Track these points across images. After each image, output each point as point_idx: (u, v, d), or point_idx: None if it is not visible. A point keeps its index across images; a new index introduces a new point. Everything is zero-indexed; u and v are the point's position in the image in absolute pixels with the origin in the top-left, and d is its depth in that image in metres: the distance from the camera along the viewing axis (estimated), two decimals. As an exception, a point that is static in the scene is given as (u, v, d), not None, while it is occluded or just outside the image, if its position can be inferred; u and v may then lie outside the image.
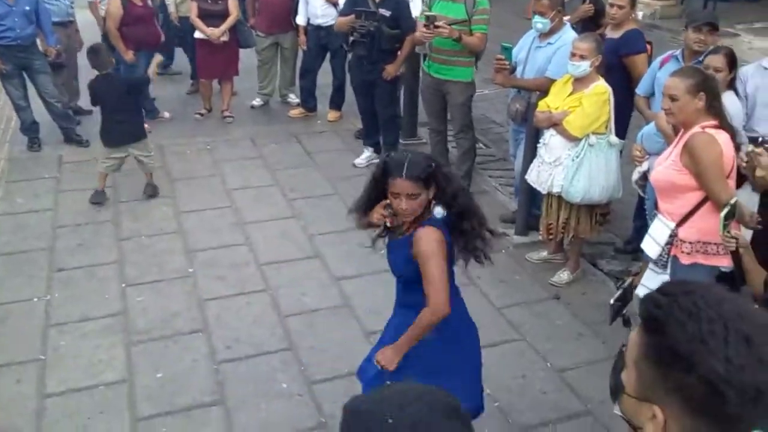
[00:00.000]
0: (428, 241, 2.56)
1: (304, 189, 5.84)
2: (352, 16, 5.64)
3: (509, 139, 5.44)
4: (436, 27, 4.99)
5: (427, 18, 5.07)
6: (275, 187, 5.86)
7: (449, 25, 5.03)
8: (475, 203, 2.71)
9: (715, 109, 3.21)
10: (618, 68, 4.69)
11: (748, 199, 3.82)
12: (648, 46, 5.01)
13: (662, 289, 1.08)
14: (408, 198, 2.52)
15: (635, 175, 4.04)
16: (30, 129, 6.42)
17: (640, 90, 4.51)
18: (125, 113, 5.34)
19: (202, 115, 7.27)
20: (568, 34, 4.50)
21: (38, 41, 6.27)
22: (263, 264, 4.74)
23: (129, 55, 6.49)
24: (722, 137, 3.17)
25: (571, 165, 4.16)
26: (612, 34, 4.88)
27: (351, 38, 5.65)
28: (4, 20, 5.92)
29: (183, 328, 4.12)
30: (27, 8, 6.01)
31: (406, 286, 2.78)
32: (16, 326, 4.09)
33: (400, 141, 6.61)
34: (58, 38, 6.48)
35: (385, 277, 4.57)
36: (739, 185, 3.74)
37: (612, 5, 4.81)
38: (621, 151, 4.49)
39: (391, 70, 5.72)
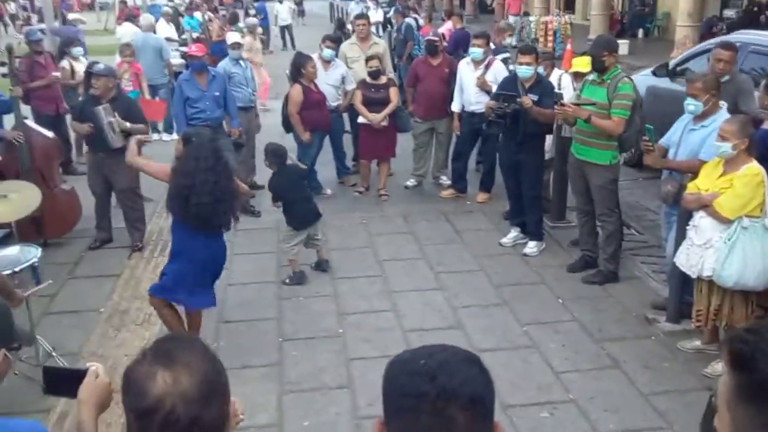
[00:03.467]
0: None
1: (450, 264, 6.06)
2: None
3: (662, 223, 5.36)
4: (562, 105, 5.19)
5: (555, 96, 5.30)
6: (423, 260, 6.14)
7: (587, 106, 5.20)
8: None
9: None
10: None
11: None
12: None
13: (747, 328, 1.13)
14: None
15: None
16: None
17: None
18: (304, 196, 5.80)
19: (360, 192, 7.82)
20: (723, 118, 4.46)
21: (224, 123, 7.17)
22: (407, 330, 4.95)
23: (306, 136, 7.22)
24: None
25: (723, 247, 4.05)
26: None
27: (489, 118, 5.98)
28: (197, 103, 6.87)
29: (330, 382, 4.39)
30: (217, 94, 6.95)
31: None
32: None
33: (549, 223, 6.70)
34: (240, 122, 7.35)
35: (524, 353, 4.67)
36: None
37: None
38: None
39: (526, 101, 5.76)
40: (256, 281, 5.79)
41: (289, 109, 7.26)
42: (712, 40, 8.12)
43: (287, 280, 5.71)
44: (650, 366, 4.48)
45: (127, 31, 11.94)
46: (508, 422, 3.94)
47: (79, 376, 1.67)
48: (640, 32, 19.53)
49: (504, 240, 6.43)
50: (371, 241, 6.58)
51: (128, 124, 6.00)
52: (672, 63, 8.33)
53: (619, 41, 9.07)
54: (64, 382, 1.72)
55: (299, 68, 7.19)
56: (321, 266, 5.95)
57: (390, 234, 6.76)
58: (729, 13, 17.66)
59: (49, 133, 6.72)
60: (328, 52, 7.66)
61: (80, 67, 8.12)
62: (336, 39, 9.58)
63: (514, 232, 6.43)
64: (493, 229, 6.81)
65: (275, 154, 5.80)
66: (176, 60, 11.53)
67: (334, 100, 7.63)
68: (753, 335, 1.10)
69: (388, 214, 7.30)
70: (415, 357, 1.20)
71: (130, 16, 13.16)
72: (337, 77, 7.67)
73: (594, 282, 5.57)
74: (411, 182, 8.03)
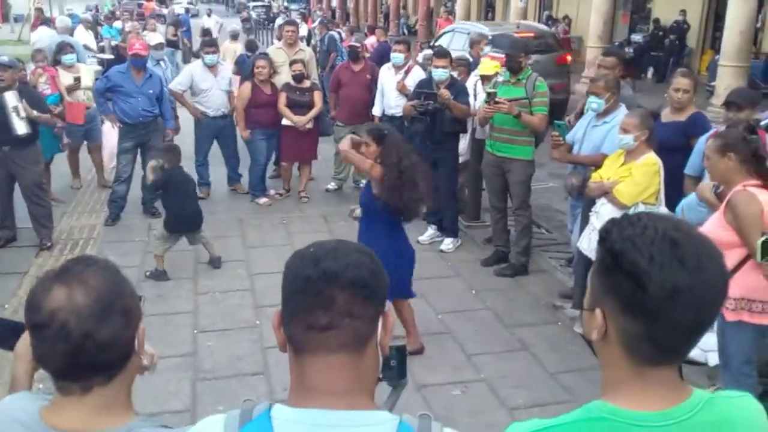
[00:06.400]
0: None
1: (369, 260, 6.13)
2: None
3: (567, 216, 5.63)
4: (496, 103, 5.39)
5: (488, 95, 5.50)
6: (342, 257, 6.18)
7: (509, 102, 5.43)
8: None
9: (758, 170, 3.38)
10: (685, 149, 4.76)
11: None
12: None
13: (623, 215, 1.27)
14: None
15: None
16: (117, 203, 6.96)
17: (691, 169, 4.64)
18: (186, 203, 5.75)
19: (281, 195, 7.82)
20: (622, 114, 4.76)
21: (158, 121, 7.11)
22: (325, 320, 4.98)
23: (245, 133, 7.37)
24: (764, 196, 3.31)
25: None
26: (675, 117, 5.01)
27: (412, 116, 6.14)
28: (130, 98, 6.79)
29: (246, 370, 4.38)
30: (151, 92, 6.90)
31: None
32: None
33: (464, 222, 6.89)
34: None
35: (439, 338, 4.79)
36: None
37: (678, 90, 4.94)
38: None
39: (444, 93, 5.94)
40: (171, 278, 5.68)
41: (235, 104, 7.33)
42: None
43: (147, 273, 5.67)
44: (557, 348, 4.68)
45: (42, 35, 11.59)
46: (423, 401, 4.03)
47: (19, 329, 1.61)
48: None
49: (421, 238, 6.56)
50: (290, 240, 6.59)
51: (35, 112, 5.92)
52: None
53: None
54: (4, 333, 1.68)
55: (252, 66, 7.33)
56: (213, 263, 5.92)
57: (309, 233, 6.77)
58: (636, 37, 18.73)
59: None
60: (210, 58, 7.55)
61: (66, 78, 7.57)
62: (252, 47, 9.65)
63: (431, 230, 6.59)
64: (411, 229, 6.78)
65: (170, 152, 5.89)
66: (93, 66, 11.23)
67: (225, 105, 7.59)
68: (621, 217, 1.23)
69: (308, 214, 7.34)
70: (308, 247, 1.27)
71: (45, 20, 12.74)
72: (227, 81, 7.63)
73: (506, 274, 5.78)
74: (331, 185, 8.10)
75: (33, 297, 1.31)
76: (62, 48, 7.90)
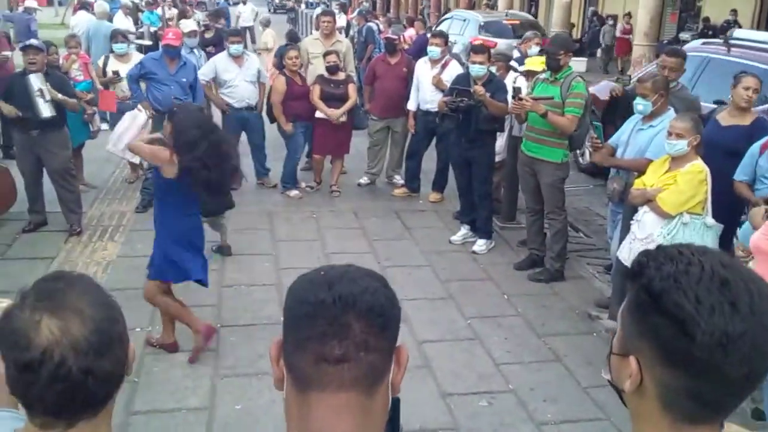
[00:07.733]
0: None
1: (398, 259, 5.99)
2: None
3: (607, 222, 5.39)
4: (520, 99, 5.18)
5: (514, 90, 5.29)
6: (371, 255, 6.05)
7: (539, 101, 5.20)
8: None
9: None
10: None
11: None
12: None
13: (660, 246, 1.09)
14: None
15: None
16: (149, 190, 6.75)
17: (740, 176, 4.40)
18: None
19: (312, 188, 7.70)
20: (670, 118, 4.51)
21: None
22: (350, 320, 4.85)
23: (288, 127, 7.24)
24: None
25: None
26: (737, 120, 4.82)
27: (443, 112, 5.96)
28: (163, 86, 6.74)
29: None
30: (184, 80, 6.83)
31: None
32: (118, 351, 4.38)
33: (498, 224, 6.69)
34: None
35: (467, 345, 4.62)
36: None
37: (748, 88, 4.73)
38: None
39: (479, 90, 5.76)
40: (197, 268, 5.61)
41: (272, 99, 7.23)
42: None
43: None
44: (591, 361, 4.47)
45: (81, 20, 11.64)
46: (447, 410, 3.88)
47: None
48: (599, 51, 19.96)
49: (453, 237, 6.39)
50: (320, 235, 6.47)
51: (60, 95, 5.90)
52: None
53: (578, 59, 9.11)
54: None
55: (281, 58, 7.13)
56: (222, 251, 5.87)
57: (339, 228, 6.67)
58: (685, 35, 18.16)
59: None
60: (234, 48, 7.36)
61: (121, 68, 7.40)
62: (294, 38, 9.54)
63: (463, 230, 6.40)
64: (443, 228, 6.78)
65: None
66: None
67: (252, 97, 7.43)
68: (657, 249, 1.06)
69: (338, 209, 7.21)
70: (317, 270, 1.13)
71: (84, 4, 12.81)
72: (253, 72, 7.47)
73: (540, 279, 5.57)
74: (364, 180, 7.95)
75: (18, 331, 1.13)
76: (114, 36, 7.90)
